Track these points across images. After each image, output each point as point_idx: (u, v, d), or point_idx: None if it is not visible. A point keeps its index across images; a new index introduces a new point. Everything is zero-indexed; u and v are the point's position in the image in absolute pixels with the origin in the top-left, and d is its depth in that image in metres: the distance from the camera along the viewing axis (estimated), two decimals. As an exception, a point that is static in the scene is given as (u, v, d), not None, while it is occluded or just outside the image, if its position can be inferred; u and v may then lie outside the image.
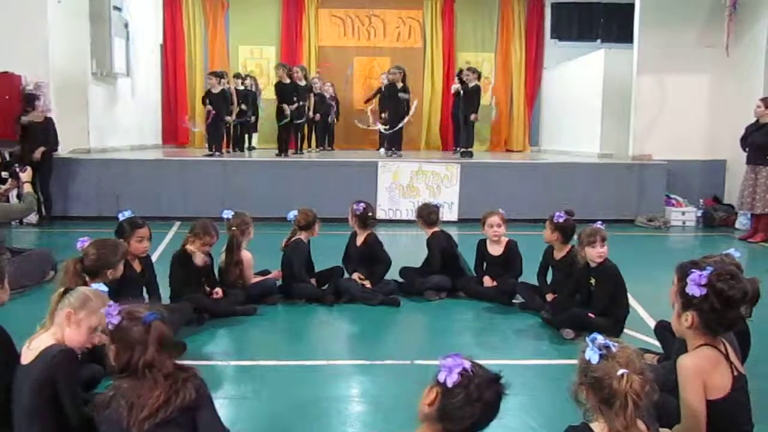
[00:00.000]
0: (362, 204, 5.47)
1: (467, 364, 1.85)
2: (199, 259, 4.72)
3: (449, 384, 1.82)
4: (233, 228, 5.02)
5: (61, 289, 2.73)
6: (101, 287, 2.79)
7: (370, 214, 5.50)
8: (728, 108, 10.01)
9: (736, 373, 2.41)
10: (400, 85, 10.58)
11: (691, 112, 10.35)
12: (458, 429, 1.84)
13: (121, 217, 4.38)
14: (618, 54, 11.34)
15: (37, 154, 8.55)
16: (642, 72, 10.38)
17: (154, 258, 6.17)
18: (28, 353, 2.55)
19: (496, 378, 1.88)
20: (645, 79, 10.39)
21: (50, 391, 2.44)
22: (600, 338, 1.97)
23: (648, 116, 10.45)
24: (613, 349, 1.95)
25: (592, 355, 1.95)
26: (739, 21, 9.96)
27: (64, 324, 2.59)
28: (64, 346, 2.54)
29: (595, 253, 4.29)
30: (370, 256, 5.47)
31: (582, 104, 12.36)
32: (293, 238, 5.39)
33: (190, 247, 4.73)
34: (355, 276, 5.40)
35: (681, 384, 2.38)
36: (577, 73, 12.96)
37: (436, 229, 5.57)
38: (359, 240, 5.51)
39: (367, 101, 12.72)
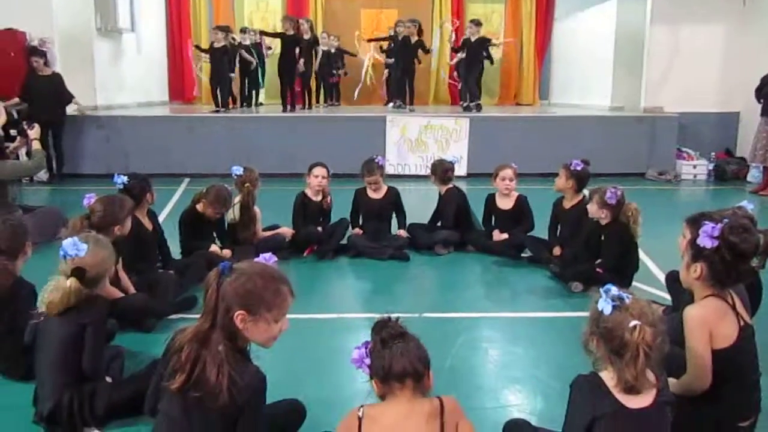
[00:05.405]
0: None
1: (363, 351, 2.07)
2: (209, 214, 4.74)
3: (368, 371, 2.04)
4: (247, 184, 4.97)
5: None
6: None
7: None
8: (743, 59, 9.80)
9: (742, 323, 2.41)
10: (415, 38, 10.29)
11: (705, 63, 10.16)
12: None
13: (118, 181, 4.23)
14: (631, 3, 11.00)
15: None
16: (655, 22, 10.14)
17: (164, 215, 6.24)
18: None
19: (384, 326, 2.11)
20: (658, 29, 10.15)
21: (82, 339, 2.55)
22: (614, 289, 1.96)
23: (661, 67, 10.25)
24: (627, 301, 1.94)
25: (605, 306, 1.94)
26: (756, -32, 9.69)
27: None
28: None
29: (589, 208, 4.38)
30: (391, 209, 5.56)
31: (593, 56, 12.14)
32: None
33: (200, 207, 4.74)
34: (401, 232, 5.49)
35: (687, 334, 2.39)
36: (589, 24, 12.68)
37: (450, 186, 5.55)
38: (380, 194, 5.51)
39: (372, 41, 12.21)
